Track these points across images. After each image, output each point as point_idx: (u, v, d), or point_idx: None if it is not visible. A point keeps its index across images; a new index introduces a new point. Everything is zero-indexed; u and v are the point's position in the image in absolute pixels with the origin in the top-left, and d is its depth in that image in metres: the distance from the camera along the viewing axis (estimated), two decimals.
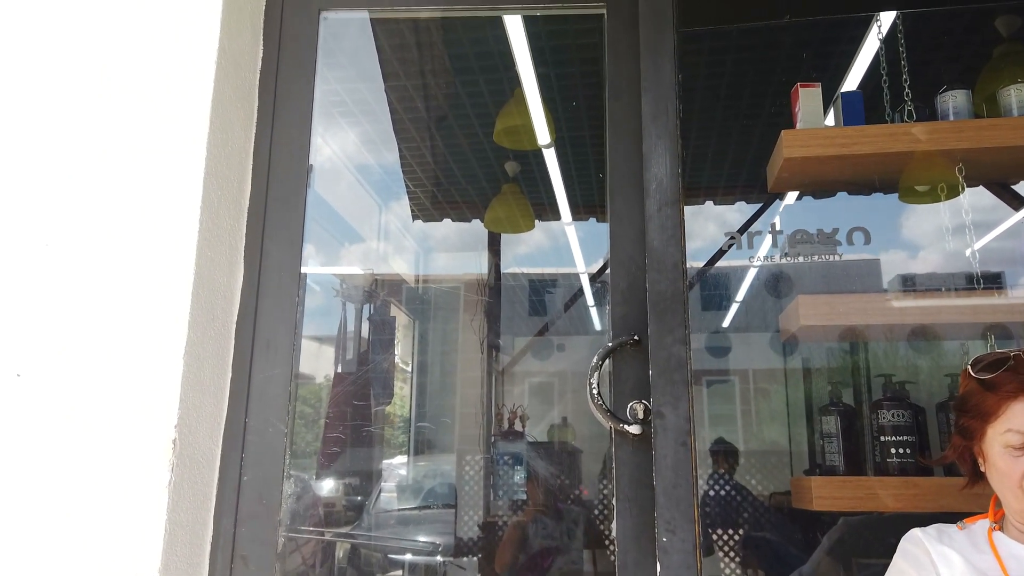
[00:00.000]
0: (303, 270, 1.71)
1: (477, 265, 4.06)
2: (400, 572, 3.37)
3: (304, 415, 3.35)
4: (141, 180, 1.57)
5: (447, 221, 4.00)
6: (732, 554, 2.82)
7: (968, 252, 2.07)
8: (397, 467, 3.95)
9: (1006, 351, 1.34)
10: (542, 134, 3.05)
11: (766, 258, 2.47)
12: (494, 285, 3.94)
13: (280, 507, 1.61)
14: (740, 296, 4.14)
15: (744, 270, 3.91)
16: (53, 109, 1.62)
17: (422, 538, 3.50)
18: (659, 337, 1.56)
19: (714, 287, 4.14)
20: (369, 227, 4.09)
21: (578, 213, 3.83)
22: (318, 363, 3.52)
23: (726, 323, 4.30)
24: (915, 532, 1.42)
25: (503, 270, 4.08)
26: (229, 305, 1.66)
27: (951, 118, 2.02)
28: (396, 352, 3.78)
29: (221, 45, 1.62)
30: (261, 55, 1.79)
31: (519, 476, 3.19)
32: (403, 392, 4.07)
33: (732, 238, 3.39)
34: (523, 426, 3.48)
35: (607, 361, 1.62)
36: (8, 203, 1.58)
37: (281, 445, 1.63)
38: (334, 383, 3.40)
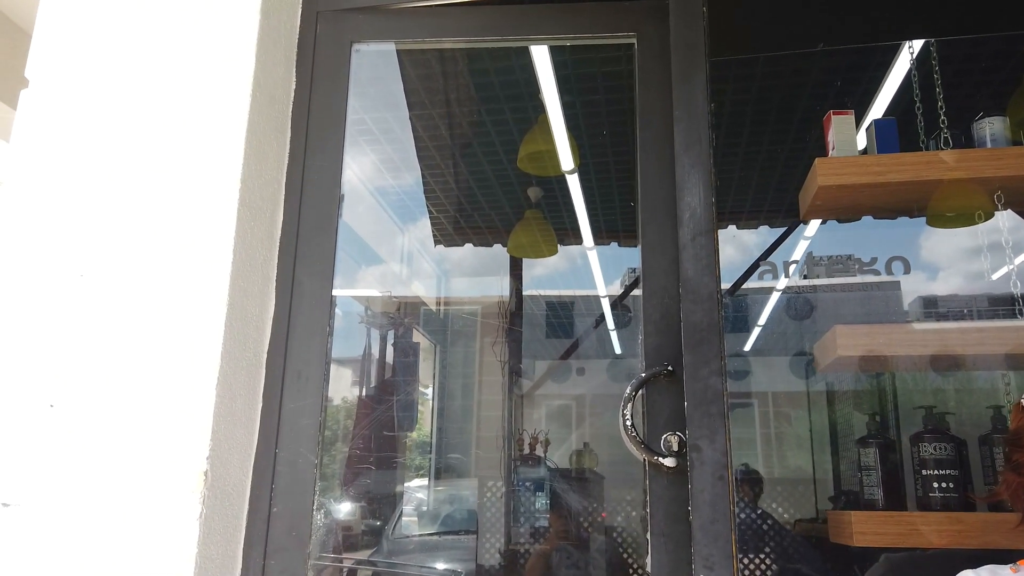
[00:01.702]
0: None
1: (498, 289, 4.06)
2: None
3: (324, 439, 3.34)
4: (176, 211, 1.57)
5: (469, 246, 4.00)
6: None
7: (1003, 275, 2.04)
8: (416, 491, 3.92)
9: None
10: (566, 160, 3.05)
11: (805, 279, 2.44)
12: (515, 309, 3.93)
13: (310, 539, 1.60)
14: (763, 320, 4.11)
15: (766, 293, 3.88)
16: (91, 140, 1.63)
17: (443, 565, 3.47)
18: (694, 369, 1.54)
19: (737, 310, 4.12)
20: (391, 251, 4.10)
21: (600, 237, 3.83)
22: (338, 386, 3.52)
23: (747, 346, 4.27)
24: (966, 573, 1.38)
25: (524, 294, 4.07)
26: (260, 335, 1.66)
27: (988, 145, 2.00)
28: (418, 376, 3.77)
29: (256, 78, 1.63)
30: (294, 87, 1.79)
31: (541, 502, 3.16)
32: (424, 416, 4.05)
33: (760, 262, 3.36)
34: (544, 451, 3.45)
35: (640, 392, 1.60)
36: (45, 232, 1.59)
37: (311, 476, 1.61)
38: (358, 408, 3.39)
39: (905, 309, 3.02)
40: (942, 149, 2.05)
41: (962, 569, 1.42)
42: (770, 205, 3.43)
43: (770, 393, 4.46)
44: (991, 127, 2.01)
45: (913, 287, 3.01)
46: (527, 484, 3.22)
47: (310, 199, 1.74)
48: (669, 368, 1.57)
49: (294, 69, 1.81)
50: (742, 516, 3.01)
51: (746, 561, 2.85)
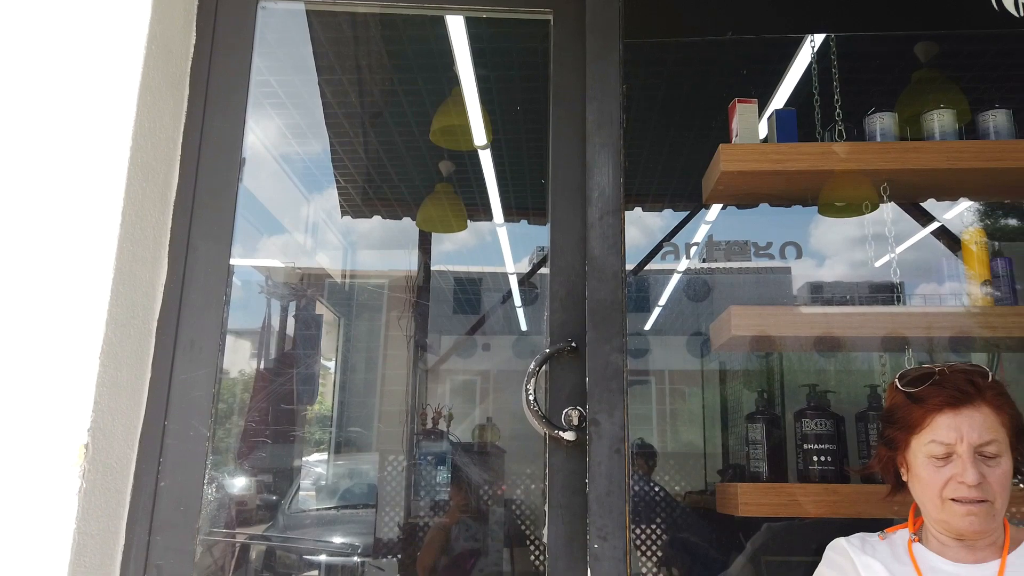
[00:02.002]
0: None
1: (406, 263, 4.01)
2: (316, 573, 3.29)
3: (219, 411, 3.23)
4: (60, 169, 1.46)
5: (377, 218, 3.93)
6: (648, 552, 2.88)
7: (885, 264, 2.17)
8: (315, 466, 3.85)
9: (932, 366, 1.41)
10: (478, 135, 3.03)
11: (703, 262, 2.52)
12: (423, 284, 3.89)
13: (199, 514, 1.54)
14: (663, 300, 4.23)
15: (667, 274, 3.99)
16: None
17: (340, 539, 3.43)
18: (597, 345, 1.57)
19: (638, 290, 4.22)
20: (295, 220, 3.97)
21: (510, 214, 3.83)
22: (235, 357, 3.40)
23: (648, 325, 4.39)
24: (840, 541, 1.47)
25: (432, 268, 4.04)
26: (151, 302, 1.57)
27: (878, 139, 2.11)
28: (320, 349, 3.68)
29: (152, 29, 1.53)
30: (194, 41, 1.69)
31: (442, 476, 3.16)
32: (325, 390, 3.97)
33: (662, 244, 3.45)
34: (447, 426, 3.45)
35: (544, 368, 1.62)
36: None
37: (203, 450, 1.55)
38: (257, 380, 3.29)
39: (794, 293, 3.18)
40: (836, 141, 2.15)
41: (836, 537, 1.52)
42: (675, 189, 3.52)
43: (667, 371, 4.60)
44: (881, 122, 2.12)
45: (803, 272, 3.17)
46: (429, 458, 3.22)
47: (208, 161, 1.66)
48: (572, 344, 1.60)
49: (194, 22, 1.71)
50: (636, 488, 3.11)
51: (638, 531, 2.95)
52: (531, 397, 1.57)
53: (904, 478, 1.43)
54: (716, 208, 3.31)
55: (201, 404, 1.57)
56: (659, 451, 3.57)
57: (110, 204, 1.45)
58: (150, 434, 1.54)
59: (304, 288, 3.66)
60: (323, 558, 3.27)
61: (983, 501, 1.29)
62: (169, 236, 1.61)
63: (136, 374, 1.52)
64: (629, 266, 3.64)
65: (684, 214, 3.58)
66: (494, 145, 3.23)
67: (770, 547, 2.05)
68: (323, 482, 3.77)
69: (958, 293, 2.18)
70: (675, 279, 4.01)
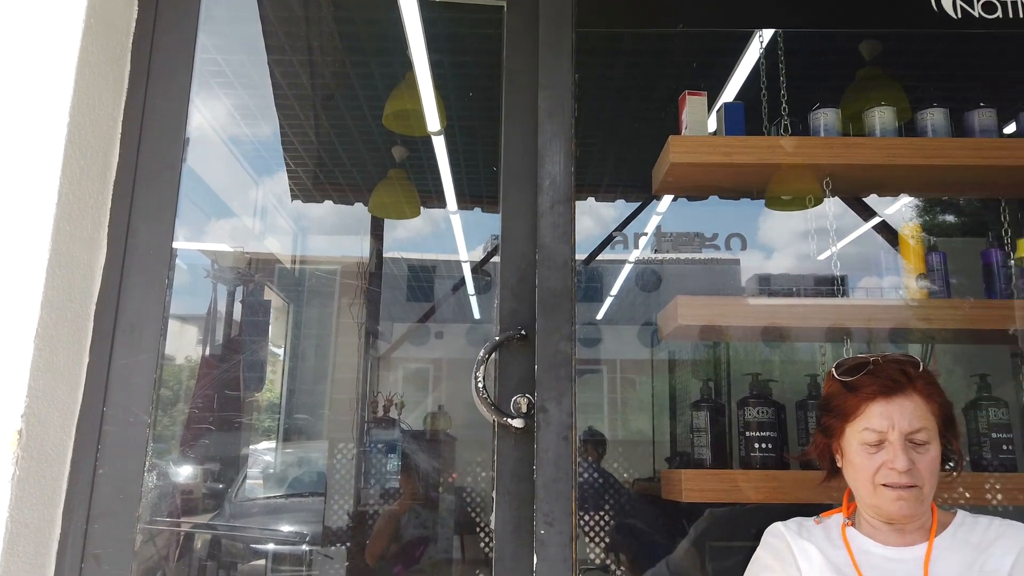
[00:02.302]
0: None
1: (358, 249, 3.96)
2: (263, 562, 3.25)
3: (163, 398, 3.16)
4: None
5: (328, 203, 3.87)
6: (596, 538, 2.91)
7: (823, 256, 2.22)
8: (263, 454, 3.79)
9: (867, 356, 1.46)
10: (432, 121, 3.00)
11: (655, 253, 2.55)
12: (375, 270, 3.85)
13: (139, 502, 1.51)
14: (615, 290, 4.27)
15: (619, 264, 4.03)
16: None
17: (288, 527, 3.39)
18: (546, 333, 1.58)
19: (591, 280, 4.24)
20: (243, 204, 3.89)
21: (464, 202, 3.81)
22: (180, 343, 3.32)
23: (600, 315, 4.42)
24: (777, 526, 1.52)
25: (384, 255, 4.00)
26: (89, 285, 1.53)
27: (822, 134, 2.16)
28: (269, 336, 3.62)
29: (91, 3, 1.48)
30: (136, 16, 1.64)
31: (392, 464, 3.14)
32: (274, 377, 3.91)
33: (615, 235, 3.48)
34: (398, 413, 3.43)
35: (494, 355, 1.62)
36: None
37: (143, 436, 1.52)
38: (202, 367, 3.22)
39: (743, 285, 3.24)
40: (782, 135, 2.19)
41: (774, 522, 1.56)
42: (627, 179, 3.54)
43: (618, 360, 4.65)
44: (825, 118, 2.17)
45: (751, 265, 3.24)
46: (379, 446, 3.19)
47: (151, 140, 1.61)
48: (522, 332, 1.60)
49: None
50: (585, 476, 3.14)
51: (587, 518, 2.99)
52: (480, 384, 1.57)
53: (839, 464, 1.47)
54: (667, 199, 3.35)
55: (141, 390, 1.53)
56: (609, 439, 3.61)
57: (46, 182, 1.40)
58: (88, 420, 1.50)
59: (251, 273, 3.59)
60: (271, 547, 3.23)
61: (912, 486, 1.35)
62: (108, 217, 1.56)
63: (73, 359, 1.48)
64: (581, 256, 3.68)
65: (636, 205, 3.62)
66: (448, 131, 3.21)
67: (712, 532, 2.10)
68: (271, 470, 3.72)
69: (897, 286, 2.26)
70: (627, 269, 4.05)
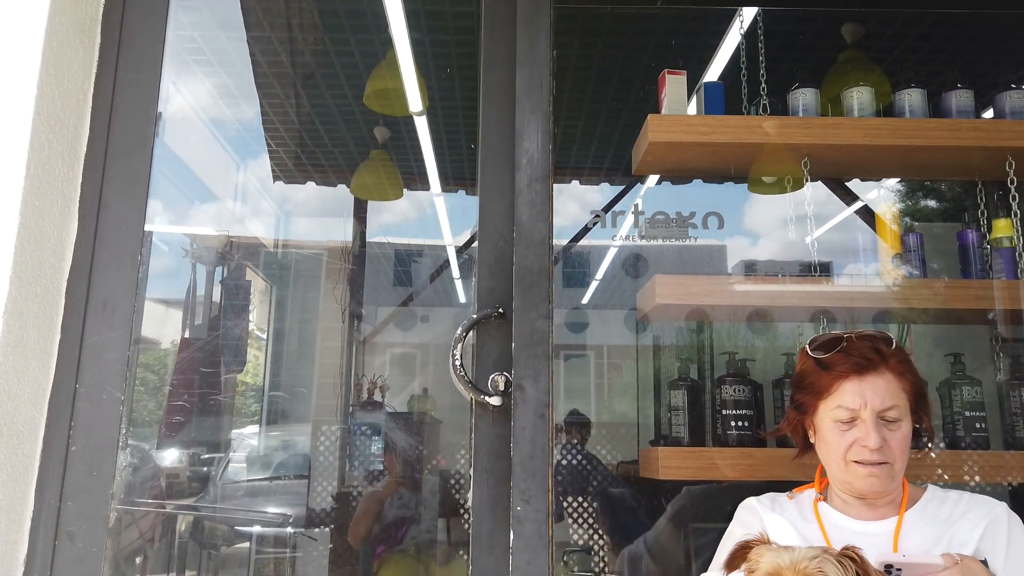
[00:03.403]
0: (149, 228, 1.58)
1: (341, 232, 3.94)
2: (247, 544, 3.25)
3: (148, 382, 3.14)
4: None
5: (311, 184, 3.84)
6: (580, 519, 2.93)
7: (808, 241, 2.23)
8: (248, 437, 3.79)
9: (840, 333, 1.46)
10: (414, 101, 2.98)
11: (627, 237, 2.55)
12: (358, 253, 3.83)
13: (113, 480, 1.50)
14: (600, 274, 4.27)
15: (605, 249, 4.03)
16: None
17: (272, 509, 3.39)
18: (524, 311, 1.58)
19: (576, 265, 4.24)
20: (225, 186, 3.86)
21: (447, 184, 3.79)
22: (165, 327, 3.30)
23: (585, 299, 4.43)
24: (751, 500, 1.53)
25: (368, 238, 3.98)
26: (59, 261, 1.51)
27: (800, 114, 2.16)
28: (250, 318, 3.60)
29: None
30: None
31: (376, 447, 3.14)
32: (257, 360, 3.89)
33: (597, 216, 3.48)
34: (383, 396, 3.43)
35: (471, 333, 1.63)
36: None
37: (116, 414, 1.51)
38: (180, 348, 3.20)
39: (729, 271, 3.25)
40: (761, 115, 2.19)
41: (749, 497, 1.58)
42: (611, 162, 3.54)
43: (605, 346, 4.65)
44: (804, 98, 2.17)
45: (737, 250, 3.24)
46: (364, 428, 3.19)
47: (122, 115, 1.59)
48: (500, 311, 1.60)
49: None
50: (570, 459, 3.16)
51: (571, 501, 3.00)
52: (457, 363, 1.58)
53: (812, 440, 1.48)
54: (652, 181, 3.35)
55: (114, 367, 1.52)
56: (594, 422, 3.62)
57: (14, 156, 1.38)
58: (60, 397, 1.49)
59: (233, 254, 3.56)
60: (255, 529, 3.23)
61: (883, 463, 1.36)
62: (79, 192, 1.55)
63: (44, 335, 1.47)
64: (564, 240, 3.67)
65: (620, 188, 3.61)
66: (430, 112, 3.19)
67: (689, 509, 2.12)
68: (255, 453, 3.71)
69: (875, 269, 2.27)
70: (611, 253, 4.05)
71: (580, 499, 3.00)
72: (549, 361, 1.56)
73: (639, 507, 2.73)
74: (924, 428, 1.46)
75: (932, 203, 3.45)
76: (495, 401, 1.56)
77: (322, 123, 3.44)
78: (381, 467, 3.11)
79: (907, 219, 2.20)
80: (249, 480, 3.59)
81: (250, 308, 3.53)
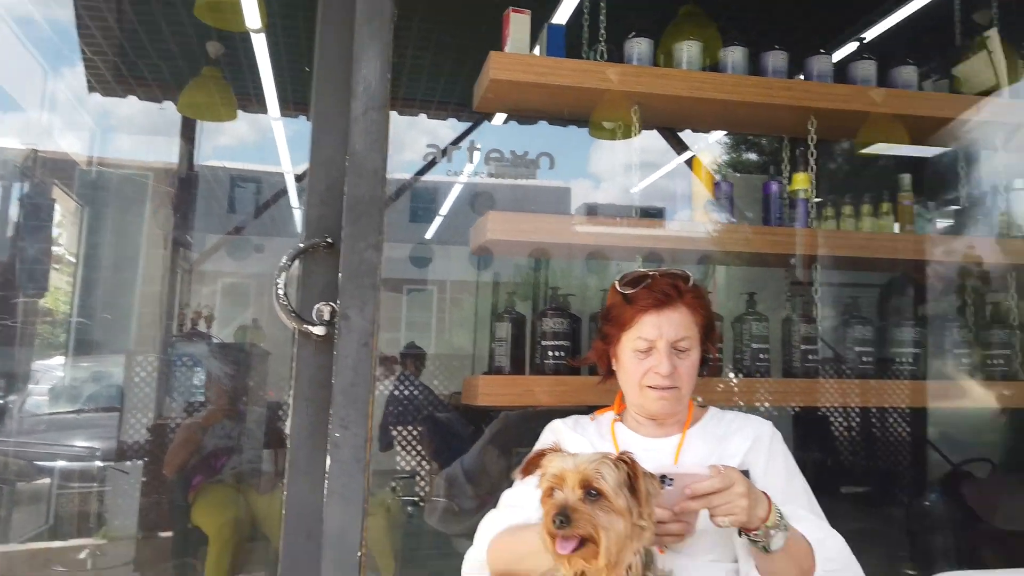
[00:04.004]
0: None
1: (167, 152, 3.67)
2: (48, 480, 3.05)
3: None
4: None
5: (132, 99, 3.53)
6: (409, 447, 3.01)
7: (638, 187, 2.36)
8: (54, 368, 3.51)
9: (647, 271, 1.58)
10: (251, 16, 2.79)
11: (475, 174, 2.58)
12: (186, 176, 3.60)
13: None
14: (444, 210, 4.29)
15: (451, 185, 4.03)
16: None
17: (79, 443, 3.20)
18: (353, 241, 1.57)
19: (422, 200, 4.22)
20: (31, 95, 3.46)
21: (287, 109, 3.62)
22: None
23: (429, 235, 4.44)
24: (556, 422, 1.65)
25: (199, 161, 3.73)
26: None
27: (635, 63, 2.25)
28: (56, 240, 3.30)
29: None
30: None
31: (198, 378, 3.03)
32: (64, 286, 3.59)
33: (441, 152, 3.46)
34: (207, 327, 3.29)
35: (297, 262, 1.60)
36: None
37: None
38: None
39: (572, 213, 3.37)
40: (598, 60, 2.26)
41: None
42: (458, 98, 3.51)
43: (448, 281, 4.70)
44: (639, 47, 2.26)
45: (580, 193, 3.35)
46: (184, 359, 3.06)
47: None
48: (328, 240, 1.58)
49: None
50: (403, 390, 3.21)
51: (403, 431, 3.06)
52: (281, 291, 1.55)
53: (614, 368, 1.61)
54: (499, 120, 3.38)
55: None
56: (432, 354, 3.68)
57: None
58: None
59: (36, 170, 3.23)
60: (58, 463, 3.04)
61: (673, 388, 1.51)
62: None
63: None
64: (407, 175, 3.64)
65: (468, 124, 3.61)
66: (269, 30, 3.01)
67: (504, 433, 2.24)
68: (62, 384, 3.46)
69: (692, 213, 2.44)
70: (456, 190, 4.06)
71: (410, 428, 3.06)
72: (376, 292, 1.57)
73: (462, 433, 2.83)
74: (711, 357, 1.63)
75: (753, 156, 3.73)
76: (319, 331, 1.55)
77: (146, 32, 3.15)
78: (203, 399, 3.01)
79: (720, 168, 2.38)
80: (53, 413, 3.35)
81: (53, 228, 3.23)
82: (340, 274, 1.55)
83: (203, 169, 3.80)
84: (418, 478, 2.88)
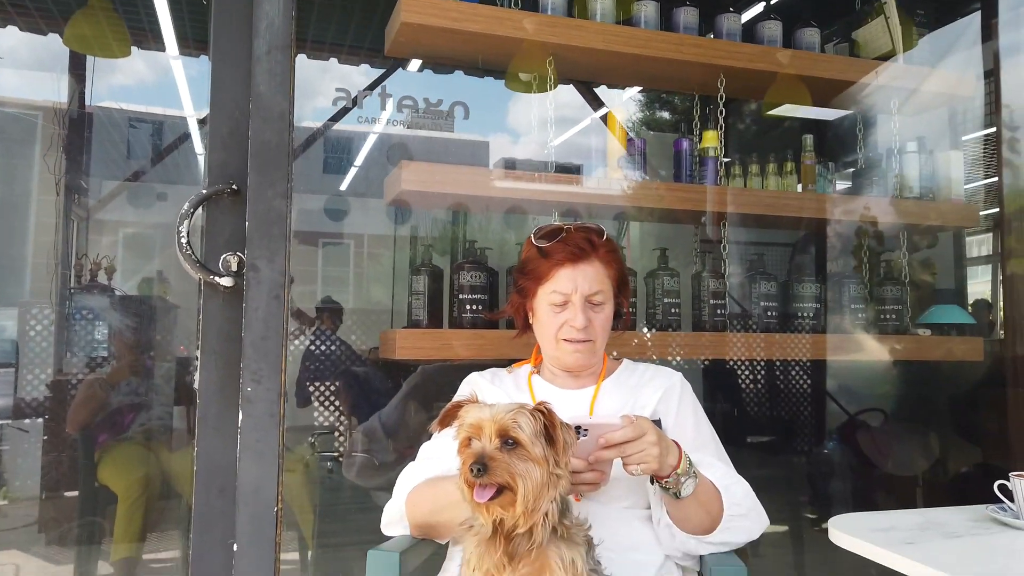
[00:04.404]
0: None
1: (56, 91, 3.41)
2: None
3: None
4: None
5: (13, 29, 3.25)
6: (328, 403, 2.97)
7: (553, 142, 2.36)
8: None
9: (561, 224, 1.58)
10: None
11: (392, 122, 2.51)
12: (77, 116, 3.36)
13: None
14: (359, 160, 4.17)
15: (365, 136, 3.92)
16: None
17: None
18: (259, 189, 1.51)
19: (335, 150, 4.10)
20: None
21: (187, 47, 3.41)
22: None
23: (344, 186, 4.33)
24: (473, 375, 1.65)
25: (93, 102, 3.49)
26: None
27: (549, 12, 2.22)
28: None
29: None
30: None
31: (100, 331, 2.90)
32: None
33: (346, 95, 3.34)
34: (108, 278, 3.14)
35: (201, 210, 1.53)
36: None
37: None
38: None
39: (490, 167, 3.33)
40: (512, 8, 2.22)
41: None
42: (371, 42, 3.39)
43: (366, 235, 4.61)
44: None
45: (498, 148, 3.31)
46: (84, 312, 2.91)
47: None
48: (234, 187, 1.52)
49: None
50: (319, 345, 3.15)
51: (321, 387, 3.02)
52: (184, 240, 1.49)
53: (531, 321, 1.62)
54: (414, 67, 3.28)
55: None
56: (350, 309, 3.62)
57: None
58: None
59: None
60: None
61: (587, 341, 1.53)
62: None
63: None
64: (317, 123, 3.51)
65: (381, 71, 3.50)
66: None
67: (422, 387, 2.24)
68: None
69: (619, 172, 2.45)
70: (371, 140, 3.95)
71: (328, 383, 3.03)
72: (286, 242, 1.52)
73: (380, 388, 2.82)
74: (623, 310, 1.66)
75: (666, 115, 3.78)
76: (226, 282, 1.49)
77: None
78: (105, 353, 2.88)
79: (635, 126, 2.40)
80: None
81: None
82: (247, 223, 1.49)
83: (97, 110, 3.56)
84: (336, 433, 2.86)
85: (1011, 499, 1.43)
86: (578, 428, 1.27)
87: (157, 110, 4.15)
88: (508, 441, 1.11)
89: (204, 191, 1.51)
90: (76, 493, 2.74)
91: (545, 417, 1.14)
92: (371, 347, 3.33)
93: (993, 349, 2.87)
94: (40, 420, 2.77)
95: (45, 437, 2.75)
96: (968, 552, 1.17)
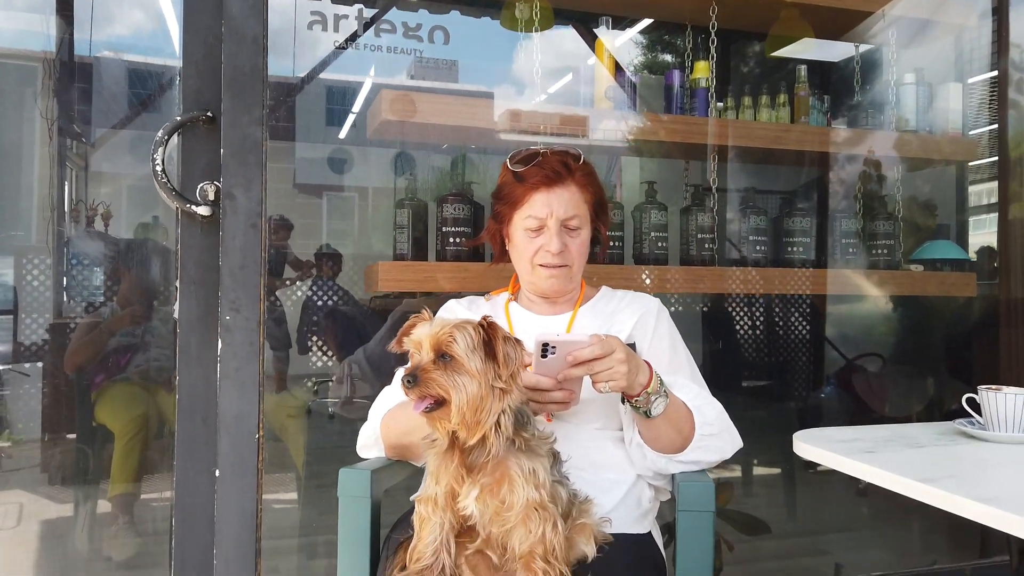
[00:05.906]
0: None
1: (46, 37, 3.37)
2: None
3: None
4: None
5: None
6: (328, 350, 2.99)
7: (558, 84, 2.30)
8: None
9: (537, 149, 1.55)
10: None
11: (411, 79, 2.47)
12: (69, 61, 3.32)
13: None
14: (356, 107, 4.12)
15: (358, 85, 3.86)
16: None
17: None
18: (234, 116, 1.49)
19: (337, 102, 4.05)
20: None
21: None
22: None
23: (343, 135, 4.28)
24: (451, 302, 1.65)
25: (91, 48, 3.45)
26: None
27: None
28: None
29: None
30: None
31: (97, 276, 2.93)
32: None
33: (357, 46, 3.28)
34: (105, 225, 3.15)
35: (176, 137, 1.51)
36: None
37: None
38: None
39: (496, 120, 3.28)
40: None
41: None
42: None
43: (370, 188, 4.58)
44: None
45: (503, 101, 3.26)
46: (81, 257, 2.94)
47: None
48: (209, 114, 1.50)
49: None
50: (316, 291, 3.16)
51: (315, 330, 3.03)
52: (159, 168, 1.47)
53: (508, 248, 1.61)
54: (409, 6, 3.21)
55: None
56: (351, 255, 3.61)
57: None
58: None
59: None
60: None
61: (564, 266, 1.52)
62: None
63: None
64: (303, 71, 3.44)
65: (375, 11, 3.43)
66: None
67: (406, 319, 2.23)
68: None
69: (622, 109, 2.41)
70: (367, 87, 3.90)
71: (330, 331, 3.04)
72: (262, 169, 1.50)
73: (370, 326, 2.83)
74: (601, 235, 1.64)
75: (668, 57, 3.71)
76: (203, 211, 1.48)
77: None
78: (102, 298, 2.91)
79: (635, 69, 2.34)
80: None
81: None
82: (223, 150, 1.47)
83: (100, 60, 3.53)
84: (335, 377, 2.89)
85: (980, 413, 1.41)
86: (546, 346, 1.27)
87: (158, 61, 4.10)
88: (444, 356, 1.12)
89: (179, 118, 1.49)
90: (75, 435, 2.79)
91: (487, 331, 1.14)
92: (372, 296, 3.33)
93: (993, 293, 2.84)
94: (39, 365, 2.82)
95: (44, 380, 2.79)
96: (930, 460, 1.16)
